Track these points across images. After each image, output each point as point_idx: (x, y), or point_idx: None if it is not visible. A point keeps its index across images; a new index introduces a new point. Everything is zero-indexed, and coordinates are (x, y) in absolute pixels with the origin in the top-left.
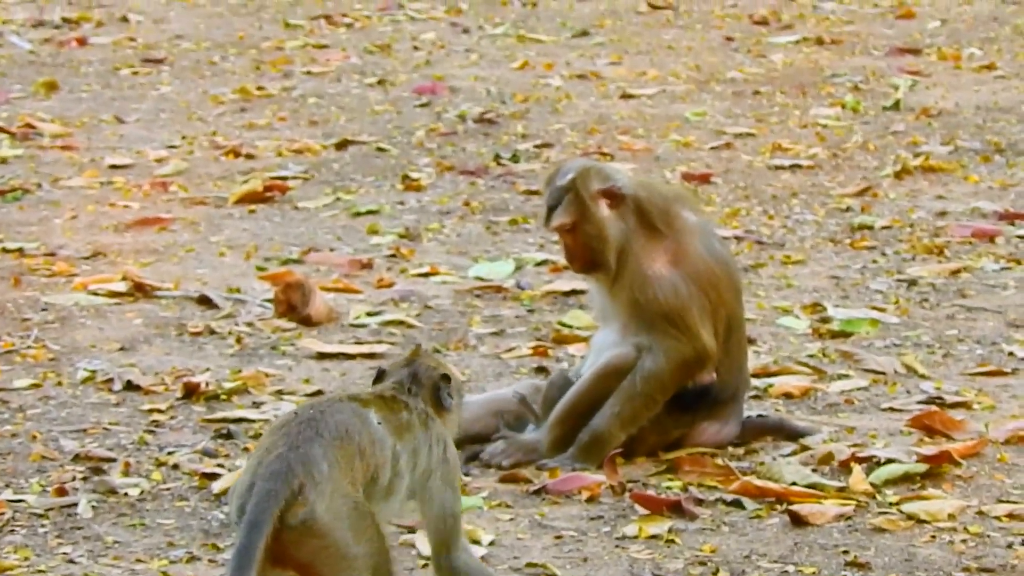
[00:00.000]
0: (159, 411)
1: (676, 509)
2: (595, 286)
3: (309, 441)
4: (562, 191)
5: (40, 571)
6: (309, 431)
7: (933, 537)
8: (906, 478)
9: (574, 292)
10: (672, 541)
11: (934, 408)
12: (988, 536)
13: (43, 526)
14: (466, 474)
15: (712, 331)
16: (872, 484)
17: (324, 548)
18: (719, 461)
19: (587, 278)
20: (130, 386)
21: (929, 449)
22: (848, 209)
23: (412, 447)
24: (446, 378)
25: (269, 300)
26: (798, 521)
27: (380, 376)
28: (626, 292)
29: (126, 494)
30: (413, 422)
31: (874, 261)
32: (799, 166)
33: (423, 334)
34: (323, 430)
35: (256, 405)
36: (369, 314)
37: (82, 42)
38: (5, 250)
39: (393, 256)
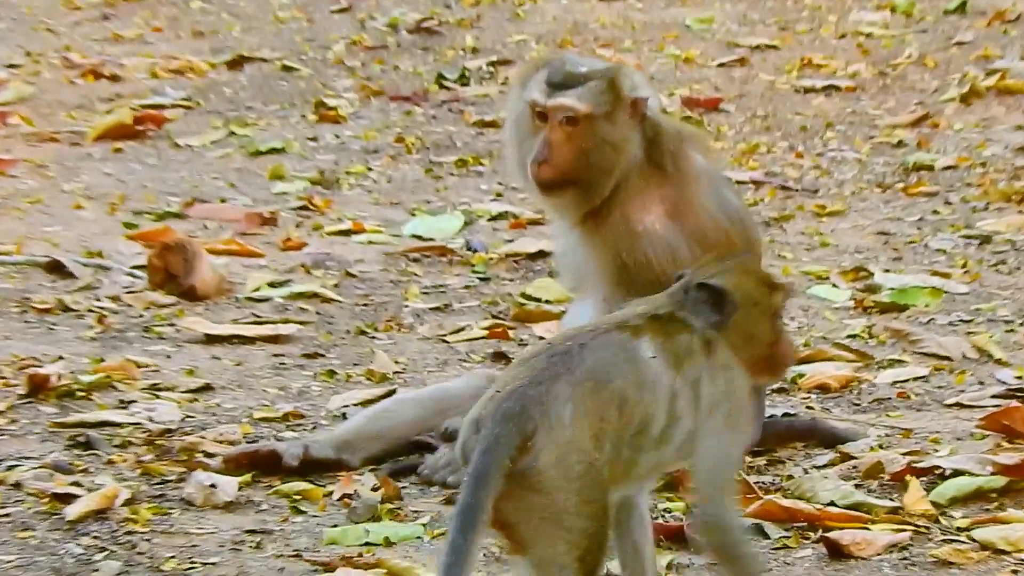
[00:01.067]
0: None
1: (678, 538)
2: (568, 239)
3: (555, 378)
4: (589, 76)
5: None
6: (559, 366)
7: (1015, 572)
8: (979, 495)
9: (540, 255)
10: None
11: (1014, 404)
12: None
13: None
14: (397, 493)
15: None
16: (934, 503)
17: (538, 508)
18: None
19: (551, 201)
20: None
21: (1008, 457)
22: (900, 144)
23: (693, 378)
24: (705, 288)
25: (141, 267)
26: (837, 552)
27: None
28: (609, 251)
29: None
30: (694, 346)
31: (935, 212)
32: (836, 88)
33: (344, 311)
34: (576, 367)
35: (123, 404)
36: (272, 285)
37: None
38: None
39: (304, 209)
